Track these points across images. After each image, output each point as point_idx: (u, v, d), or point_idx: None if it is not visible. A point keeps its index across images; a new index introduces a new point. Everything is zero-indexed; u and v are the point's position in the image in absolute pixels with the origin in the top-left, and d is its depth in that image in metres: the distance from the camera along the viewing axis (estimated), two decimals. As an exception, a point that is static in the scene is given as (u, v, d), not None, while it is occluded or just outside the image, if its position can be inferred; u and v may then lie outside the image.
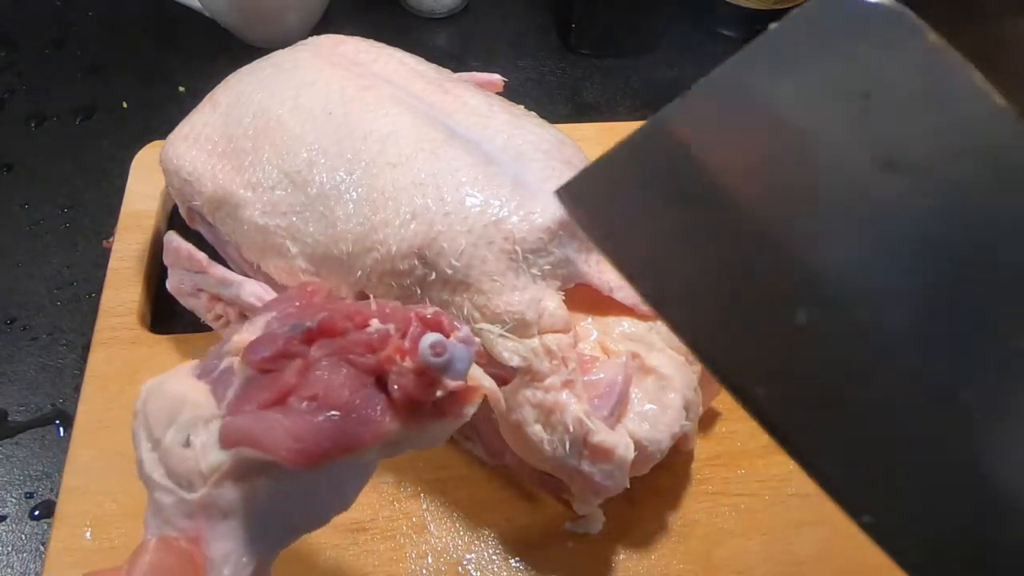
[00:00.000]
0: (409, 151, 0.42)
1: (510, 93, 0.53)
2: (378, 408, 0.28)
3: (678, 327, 0.25)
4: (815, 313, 0.22)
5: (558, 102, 0.72)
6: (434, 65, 0.50)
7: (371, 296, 0.43)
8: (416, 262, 0.41)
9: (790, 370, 0.23)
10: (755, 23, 0.75)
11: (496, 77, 0.55)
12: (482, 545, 0.45)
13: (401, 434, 0.28)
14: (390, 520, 0.45)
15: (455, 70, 0.50)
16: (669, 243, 0.24)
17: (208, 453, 0.28)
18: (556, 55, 0.76)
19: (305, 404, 0.27)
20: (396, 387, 0.28)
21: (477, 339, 0.29)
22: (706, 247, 0.24)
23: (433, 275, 0.41)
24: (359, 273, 0.42)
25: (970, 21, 0.80)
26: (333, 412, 0.27)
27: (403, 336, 0.28)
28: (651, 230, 0.25)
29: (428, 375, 0.28)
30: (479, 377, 0.31)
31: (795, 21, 0.21)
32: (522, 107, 0.48)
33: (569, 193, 0.26)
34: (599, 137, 0.62)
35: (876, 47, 0.21)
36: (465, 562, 0.44)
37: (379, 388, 0.28)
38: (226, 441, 0.28)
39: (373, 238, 0.41)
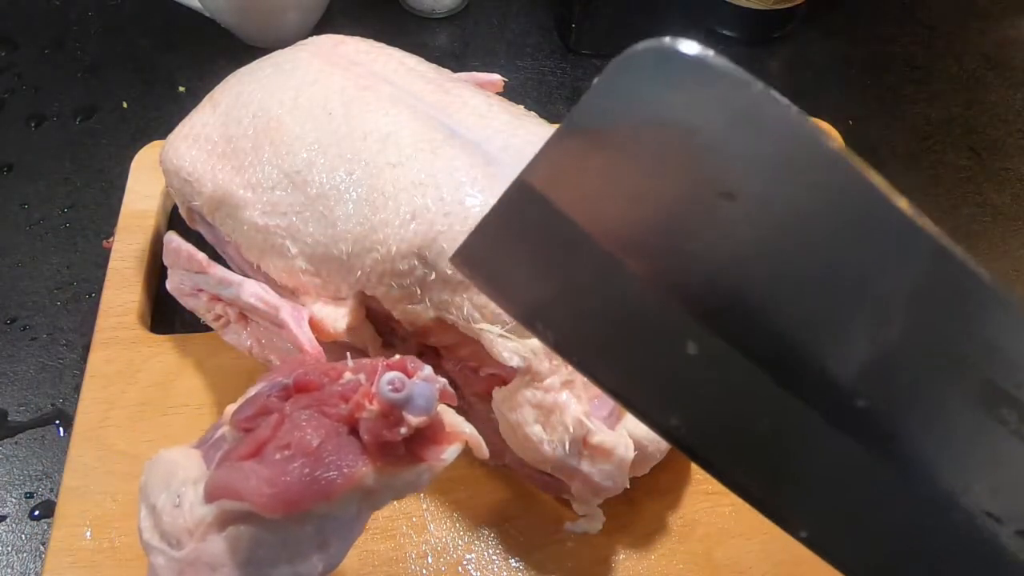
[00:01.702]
0: (409, 151, 0.42)
1: (510, 93, 0.53)
2: (350, 454, 0.28)
3: (587, 372, 0.26)
4: (704, 342, 0.23)
5: (558, 102, 0.72)
6: (434, 65, 0.50)
7: (372, 296, 0.43)
8: (416, 262, 0.41)
9: (695, 398, 0.24)
10: (755, 23, 0.75)
11: (496, 77, 0.55)
12: (482, 545, 0.45)
13: (376, 479, 0.29)
14: (390, 520, 0.45)
15: (455, 70, 0.50)
16: (556, 291, 0.25)
17: (195, 509, 0.29)
18: (556, 55, 0.75)
19: (279, 454, 0.28)
20: (365, 430, 0.28)
21: (442, 379, 0.29)
22: (591, 292, 0.24)
23: (433, 275, 0.41)
24: (359, 273, 0.42)
25: (971, 21, 0.80)
26: (306, 459, 0.28)
27: (371, 383, 0.29)
28: (538, 280, 0.26)
29: (392, 413, 0.28)
30: (459, 424, 0.31)
31: (617, 71, 0.22)
32: (522, 107, 0.48)
33: (462, 258, 0.27)
34: (599, 137, 0.61)
35: (696, 92, 0.22)
36: (465, 562, 0.44)
37: (353, 436, 0.29)
38: (209, 495, 0.29)
39: (373, 238, 0.41)
